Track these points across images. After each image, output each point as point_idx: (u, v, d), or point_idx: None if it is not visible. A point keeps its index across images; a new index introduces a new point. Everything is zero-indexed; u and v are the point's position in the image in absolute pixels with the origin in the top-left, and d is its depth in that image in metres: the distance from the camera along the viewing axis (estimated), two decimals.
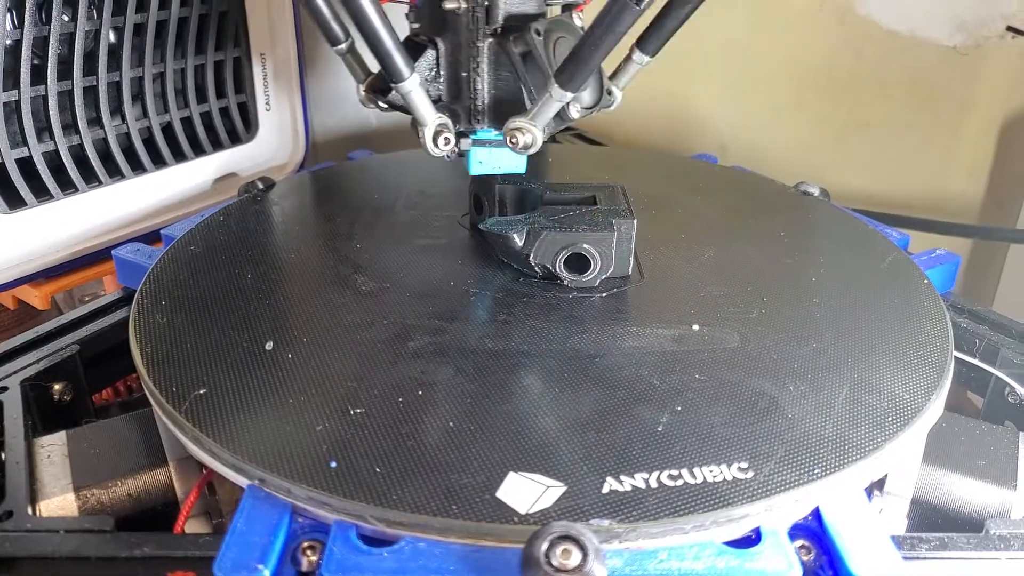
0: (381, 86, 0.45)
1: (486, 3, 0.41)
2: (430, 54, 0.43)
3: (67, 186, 0.54)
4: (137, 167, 0.58)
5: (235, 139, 0.65)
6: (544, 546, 0.25)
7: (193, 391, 0.34)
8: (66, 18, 0.51)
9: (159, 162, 0.59)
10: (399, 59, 0.38)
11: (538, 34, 0.41)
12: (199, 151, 0.62)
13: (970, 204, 0.76)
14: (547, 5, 0.43)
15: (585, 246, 0.42)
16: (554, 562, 0.25)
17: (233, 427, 0.32)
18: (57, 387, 0.41)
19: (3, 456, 0.35)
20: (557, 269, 0.42)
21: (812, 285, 0.44)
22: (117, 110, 0.56)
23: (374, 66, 0.43)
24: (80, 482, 0.34)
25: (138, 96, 0.58)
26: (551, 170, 0.62)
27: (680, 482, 0.29)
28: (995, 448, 0.37)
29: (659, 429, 0.32)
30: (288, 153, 0.70)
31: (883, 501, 0.37)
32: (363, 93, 0.46)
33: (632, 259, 0.44)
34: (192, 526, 0.36)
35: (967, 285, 0.78)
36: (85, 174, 0.55)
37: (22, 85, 0.49)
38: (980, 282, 0.77)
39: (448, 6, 0.41)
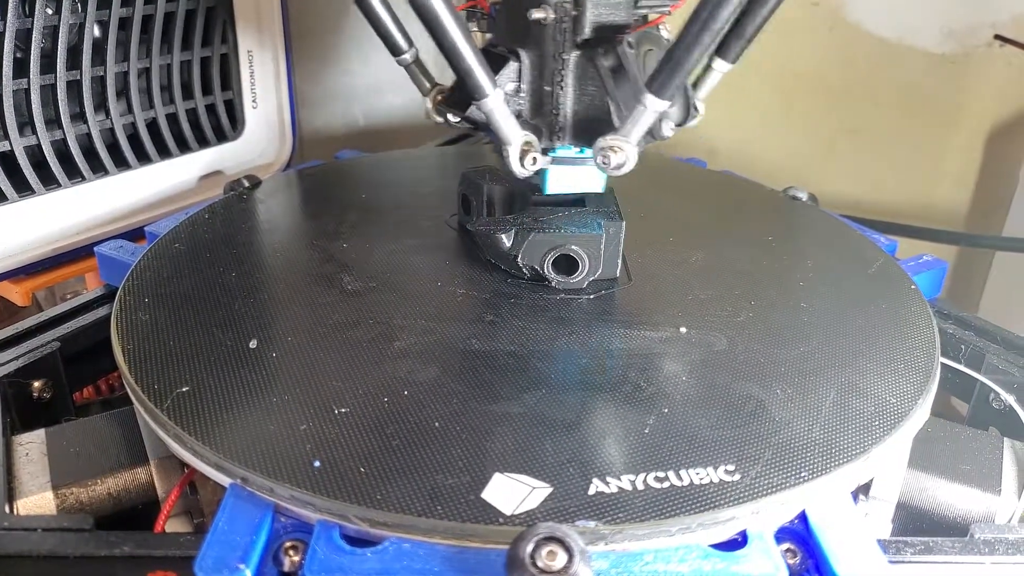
0: (456, 100, 0.42)
1: (574, 13, 0.38)
2: (512, 67, 0.40)
3: (49, 181, 0.53)
4: (121, 163, 0.57)
5: (221, 136, 0.64)
6: (529, 547, 0.25)
7: (175, 389, 0.34)
8: (50, 11, 0.50)
9: (144, 158, 0.59)
10: (482, 74, 0.36)
11: (630, 46, 0.38)
12: (184, 148, 0.62)
13: (957, 211, 0.77)
14: (636, 11, 0.40)
15: (573, 248, 0.42)
16: (539, 563, 0.24)
17: (215, 425, 0.31)
18: (36, 384, 0.40)
19: None
20: (545, 270, 0.42)
21: (800, 289, 0.44)
22: (101, 105, 0.56)
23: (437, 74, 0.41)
24: (59, 481, 0.34)
25: (123, 91, 0.57)
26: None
27: (666, 484, 0.29)
28: (980, 453, 0.37)
29: (646, 431, 0.32)
30: (275, 151, 0.69)
31: (869, 505, 0.37)
32: (430, 107, 0.43)
33: (620, 261, 0.44)
34: (173, 526, 0.35)
35: (953, 292, 0.78)
36: (68, 170, 0.54)
37: (4, 78, 0.49)
38: (965, 289, 0.78)
39: (534, 16, 0.38)
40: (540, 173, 0.41)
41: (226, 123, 0.65)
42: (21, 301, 0.54)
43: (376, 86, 0.83)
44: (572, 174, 0.42)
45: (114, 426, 0.37)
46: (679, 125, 0.41)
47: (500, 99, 0.37)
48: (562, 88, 0.40)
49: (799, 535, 0.30)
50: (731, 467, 0.30)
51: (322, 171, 0.61)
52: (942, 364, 0.40)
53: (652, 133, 0.38)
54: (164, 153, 0.60)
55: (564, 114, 0.40)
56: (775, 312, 0.42)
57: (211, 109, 0.63)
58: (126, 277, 0.43)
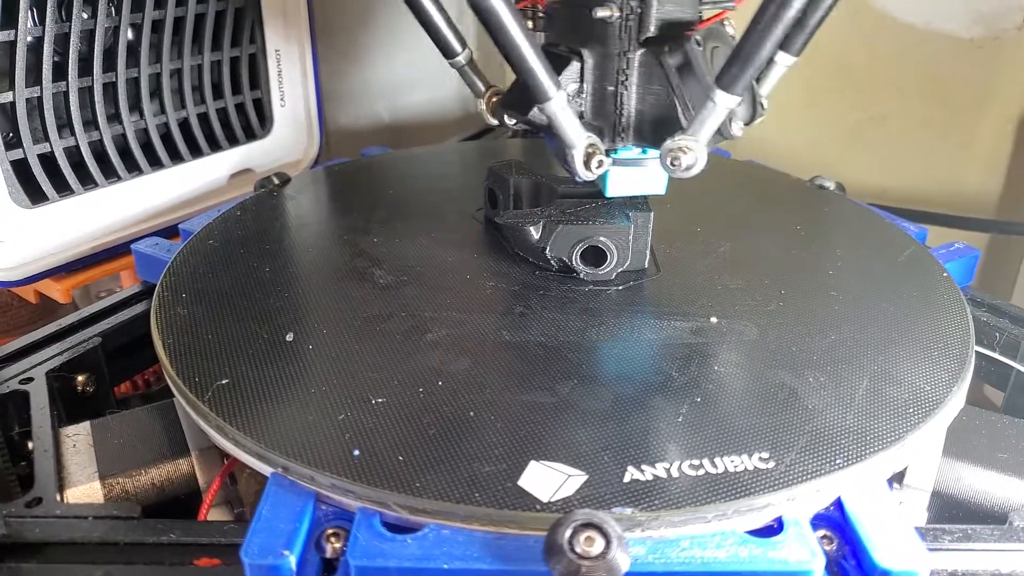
0: (513, 101, 0.41)
1: (639, 10, 0.38)
2: (574, 67, 0.39)
3: (87, 181, 0.54)
4: (155, 163, 0.58)
5: (250, 135, 0.65)
6: (567, 533, 0.25)
7: (215, 381, 0.34)
8: (86, 15, 0.51)
9: (176, 157, 0.60)
10: (545, 76, 0.35)
11: (698, 44, 0.37)
12: (215, 147, 0.62)
13: (988, 199, 0.76)
14: (701, 7, 0.39)
15: (601, 239, 0.42)
16: (577, 549, 0.25)
17: (256, 416, 0.32)
18: (80, 378, 0.42)
19: (31, 445, 0.35)
20: (573, 262, 0.42)
21: (830, 278, 0.44)
22: (135, 106, 0.57)
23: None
24: (105, 471, 0.35)
25: (156, 92, 0.58)
26: None
27: (701, 472, 0.29)
28: (1017, 441, 0.37)
29: (679, 419, 0.32)
30: (303, 149, 0.70)
31: (903, 494, 0.37)
32: (485, 108, 0.42)
33: (648, 252, 0.44)
34: (214, 515, 0.36)
35: (985, 280, 0.77)
36: (104, 169, 0.55)
37: (44, 82, 0.50)
38: (999, 277, 0.77)
39: (600, 14, 0.38)
40: (601, 175, 0.40)
41: (255, 122, 0.66)
42: (62, 298, 0.55)
43: (399, 82, 0.84)
44: (634, 175, 0.41)
45: (156, 418, 0.38)
46: (747, 124, 0.40)
47: (564, 101, 0.36)
48: (626, 88, 0.39)
49: (835, 522, 0.30)
50: (765, 454, 0.30)
51: (349, 168, 0.62)
52: (976, 352, 0.40)
53: (721, 132, 0.37)
54: (196, 152, 0.61)
55: (627, 114, 0.40)
56: (806, 301, 0.41)
57: (240, 108, 0.64)
58: (163, 273, 0.44)
